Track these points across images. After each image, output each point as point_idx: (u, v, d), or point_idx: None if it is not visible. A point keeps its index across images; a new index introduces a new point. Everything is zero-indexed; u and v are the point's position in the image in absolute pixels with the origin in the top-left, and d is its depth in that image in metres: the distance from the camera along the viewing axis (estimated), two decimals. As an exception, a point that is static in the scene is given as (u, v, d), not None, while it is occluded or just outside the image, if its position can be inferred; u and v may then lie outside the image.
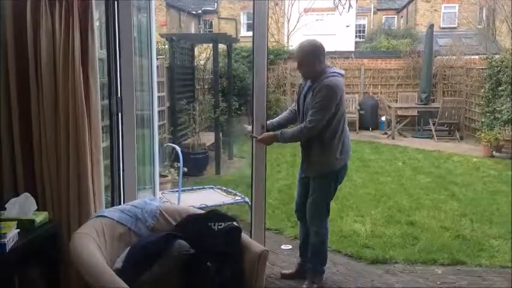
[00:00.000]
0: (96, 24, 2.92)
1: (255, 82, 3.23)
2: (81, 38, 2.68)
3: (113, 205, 3.06)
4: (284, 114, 3.56)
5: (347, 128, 3.31)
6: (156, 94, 3.85)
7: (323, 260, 3.46)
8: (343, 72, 3.28)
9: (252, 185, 3.39)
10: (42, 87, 2.71)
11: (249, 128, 3.35)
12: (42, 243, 2.50)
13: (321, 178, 3.27)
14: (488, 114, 9.41)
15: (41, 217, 2.54)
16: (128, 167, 3.15)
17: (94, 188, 2.76)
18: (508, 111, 8.68)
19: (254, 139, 3.30)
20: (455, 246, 4.24)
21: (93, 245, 2.16)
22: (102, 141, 3.27)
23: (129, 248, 2.29)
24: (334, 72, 3.17)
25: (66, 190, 2.75)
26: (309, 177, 3.33)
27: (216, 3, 22.72)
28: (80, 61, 2.68)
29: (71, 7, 2.64)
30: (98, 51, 2.87)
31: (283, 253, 4.15)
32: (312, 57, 3.14)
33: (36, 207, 2.58)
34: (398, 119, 10.84)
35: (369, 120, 11.63)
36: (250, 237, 3.28)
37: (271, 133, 3.28)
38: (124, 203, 3.08)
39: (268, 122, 3.41)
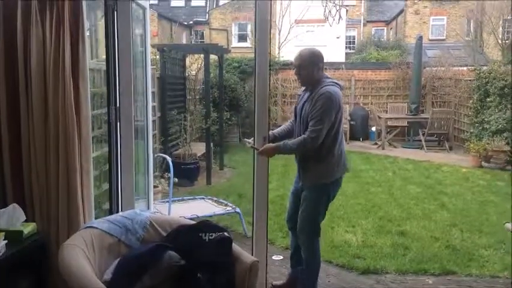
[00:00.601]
0: (87, 34, 2.92)
1: (257, 92, 3.19)
2: (72, 48, 2.67)
3: (111, 214, 3.05)
4: (285, 125, 3.52)
5: (344, 140, 3.29)
6: (150, 104, 3.86)
7: (311, 276, 3.35)
8: (341, 83, 3.28)
9: (253, 198, 3.35)
10: (31, 97, 2.69)
11: (250, 140, 3.31)
12: (30, 254, 2.47)
13: (314, 189, 3.23)
14: (476, 124, 9.52)
15: (29, 228, 2.51)
16: (126, 177, 3.14)
17: (83, 198, 2.74)
18: (496, 122, 8.78)
19: (256, 151, 3.25)
20: (445, 256, 4.26)
21: (82, 256, 2.13)
22: (94, 151, 3.25)
23: (118, 259, 2.27)
24: (333, 81, 3.18)
25: (55, 201, 2.72)
26: (303, 188, 3.30)
27: (207, 14, 22.84)
28: (71, 71, 2.67)
29: (62, 17, 2.64)
30: (89, 61, 2.86)
31: (274, 263, 4.13)
32: (310, 63, 3.16)
33: (24, 218, 2.55)
34: (388, 130, 10.92)
35: (360, 130, 11.70)
36: (251, 252, 3.30)
37: (272, 145, 3.23)
38: (122, 212, 3.07)
39: (269, 132, 3.36)
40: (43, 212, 2.74)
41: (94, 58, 3.96)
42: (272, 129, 3.45)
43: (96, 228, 2.39)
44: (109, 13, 3.00)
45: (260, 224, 3.38)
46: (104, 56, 3.08)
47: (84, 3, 2.72)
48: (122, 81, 3.07)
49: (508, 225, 3.76)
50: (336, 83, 3.19)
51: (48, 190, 2.72)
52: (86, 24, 2.84)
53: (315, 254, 3.31)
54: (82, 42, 2.70)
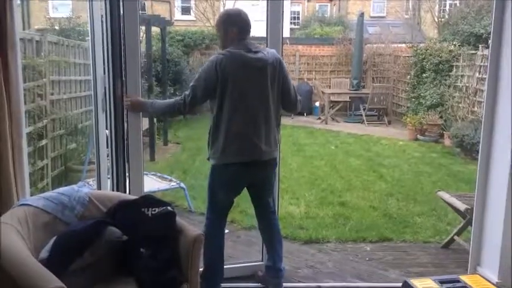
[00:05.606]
0: (18, 2, 2.73)
1: None
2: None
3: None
4: None
5: (252, 124, 2.70)
6: (100, 77, 3.70)
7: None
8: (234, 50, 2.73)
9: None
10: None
11: None
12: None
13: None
14: (413, 99, 9.95)
15: (-45, 208, 2.35)
16: (134, 154, 3.11)
17: (16, 176, 2.59)
18: (431, 97, 9.22)
19: None
20: (382, 224, 4.48)
21: (16, 235, 2.03)
22: (27, 126, 3.07)
23: (55, 237, 2.19)
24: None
25: (-16, 179, 2.56)
26: None
27: (149, -15, 21.97)
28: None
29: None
30: (21, 32, 2.68)
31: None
32: None
33: (-50, 198, 2.39)
34: (331, 105, 11.18)
35: (304, 105, 11.83)
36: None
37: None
38: (130, 189, 3.04)
39: None
40: (-28, 191, 2.58)
41: (27, 29, 3.73)
42: None
43: (31, 205, 2.27)
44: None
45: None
46: (37, 27, 2.90)
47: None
48: (128, 53, 2.86)
49: (440, 193, 4.00)
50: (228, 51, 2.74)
51: (-24, 167, 2.55)
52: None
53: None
54: (10, 12, 2.51)
